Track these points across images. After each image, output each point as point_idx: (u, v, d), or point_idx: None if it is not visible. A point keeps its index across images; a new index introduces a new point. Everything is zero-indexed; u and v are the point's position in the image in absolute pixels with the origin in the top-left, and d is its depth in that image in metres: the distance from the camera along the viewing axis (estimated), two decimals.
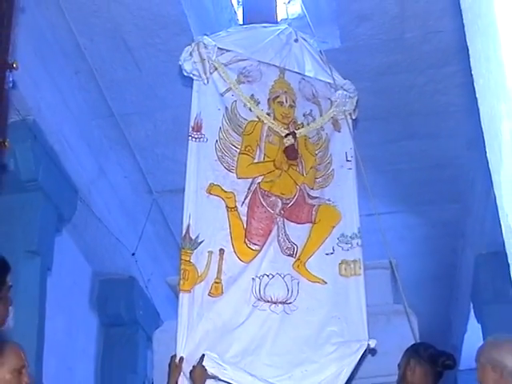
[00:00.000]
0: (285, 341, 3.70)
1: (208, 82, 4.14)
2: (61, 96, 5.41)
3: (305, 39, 4.64)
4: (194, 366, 3.46)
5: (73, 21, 4.99)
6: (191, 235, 3.77)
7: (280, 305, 3.79)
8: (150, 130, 6.03)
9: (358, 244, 4.11)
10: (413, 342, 3.84)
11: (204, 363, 3.45)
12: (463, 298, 7.66)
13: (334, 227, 4.16)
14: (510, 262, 1.46)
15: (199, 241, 3.78)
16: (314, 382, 3.57)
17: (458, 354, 7.97)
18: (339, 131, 4.50)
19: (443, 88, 5.65)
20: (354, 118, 4.60)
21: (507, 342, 2.79)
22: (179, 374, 3.48)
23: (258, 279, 3.79)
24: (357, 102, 4.59)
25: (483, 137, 1.59)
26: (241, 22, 5.33)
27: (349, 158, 4.40)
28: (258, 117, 4.22)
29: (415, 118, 5.95)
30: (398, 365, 3.55)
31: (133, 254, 6.53)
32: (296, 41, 4.58)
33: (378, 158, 6.06)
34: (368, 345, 3.72)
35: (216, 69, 4.16)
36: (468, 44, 1.66)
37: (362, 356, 3.74)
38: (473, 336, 7.14)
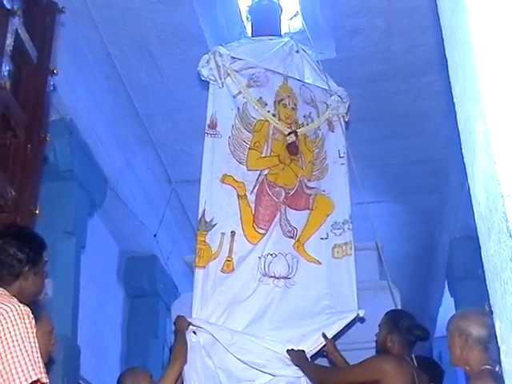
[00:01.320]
0: (285, 310, 3.73)
1: (222, 85, 4.15)
2: (94, 98, 5.42)
3: (305, 50, 4.65)
4: (178, 316, 3.51)
5: (105, 34, 4.99)
6: (206, 218, 3.79)
7: (282, 279, 3.81)
8: (170, 128, 6.02)
9: (348, 228, 4.12)
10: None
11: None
12: (439, 276, 7.65)
13: (328, 215, 4.17)
14: (480, 244, 1.46)
15: (213, 223, 3.79)
16: (308, 343, 3.60)
17: (433, 324, 8.00)
18: (333, 131, 4.50)
19: (424, 94, 5.63)
20: (346, 120, 4.60)
21: (473, 313, 2.80)
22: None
23: (263, 258, 3.82)
24: (349, 106, 4.59)
25: (459, 136, 1.60)
26: (249, 35, 5.31)
27: (341, 155, 4.41)
28: (264, 117, 4.24)
29: (400, 119, 5.93)
30: (379, 325, 3.53)
31: (154, 236, 6.53)
32: (297, 52, 4.58)
33: (368, 154, 6.04)
34: (357, 314, 3.74)
35: (229, 74, 4.17)
36: (447, 56, 1.67)
37: (352, 324, 3.77)
38: (447, 308, 7.13)
